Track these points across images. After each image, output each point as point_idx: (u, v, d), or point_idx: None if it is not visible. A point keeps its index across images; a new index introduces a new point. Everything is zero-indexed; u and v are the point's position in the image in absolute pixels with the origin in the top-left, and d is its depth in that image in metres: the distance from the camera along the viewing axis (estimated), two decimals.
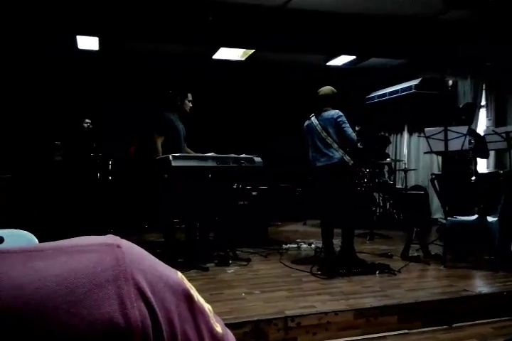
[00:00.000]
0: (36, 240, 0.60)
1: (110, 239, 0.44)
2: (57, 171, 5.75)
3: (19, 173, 5.88)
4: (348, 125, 4.09)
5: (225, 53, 6.29)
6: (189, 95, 4.44)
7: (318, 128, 4.18)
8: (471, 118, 5.15)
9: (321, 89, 4.32)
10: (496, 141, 4.36)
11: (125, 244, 0.44)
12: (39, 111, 6.49)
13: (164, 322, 0.41)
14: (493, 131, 4.48)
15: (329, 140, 4.12)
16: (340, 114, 4.14)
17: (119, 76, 6.95)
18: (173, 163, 3.70)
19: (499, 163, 6.06)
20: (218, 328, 0.48)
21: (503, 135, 4.26)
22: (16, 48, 6.18)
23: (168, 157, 3.73)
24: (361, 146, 4.48)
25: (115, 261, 0.41)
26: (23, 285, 0.37)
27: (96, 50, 6.16)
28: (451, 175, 4.89)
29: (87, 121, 6.04)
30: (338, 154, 4.10)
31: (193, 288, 0.48)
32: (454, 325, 3.03)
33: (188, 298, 0.46)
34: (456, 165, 5.13)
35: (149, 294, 0.41)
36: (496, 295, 3.30)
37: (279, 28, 5.31)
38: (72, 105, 6.50)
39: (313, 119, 4.26)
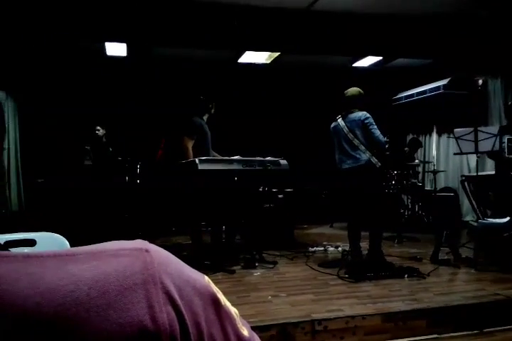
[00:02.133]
0: (68, 243, 0.62)
1: (139, 243, 0.45)
2: (87, 175, 5.88)
3: (51, 178, 6.04)
4: (375, 127, 4.05)
5: (251, 57, 6.32)
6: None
7: (345, 129, 4.14)
8: None
9: (347, 91, 4.29)
10: None
11: (153, 248, 0.45)
12: (70, 115, 6.65)
13: (191, 325, 0.42)
14: None
15: (356, 142, 4.08)
16: (368, 115, 4.09)
17: (147, 81, 7.05)
18: (200, 167, 3.74)
19: None
20: (245, 332, 0.49)
21: None
22: (51, 53, 6.35)
23: (195, 160, 3.77)
24: (388, 151, 4.40)
25: (144, 265, 0.42)
26: (58, 287, 0.38)
27: (124, 56, 6.28)
28: (499, 177, 4.75)
29: (98, 128, 6.11)
30: (365, 156, 4.06)
31: (220, 291, 0.49)
32: (485, 330, 2.96)
33: (215, 301, 0.46)
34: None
35: (177, 297, 0.42)
36: None
37: (304, 31, 5.30)
38: (100, 110, 6.62)
39: (340, 121, 4.23)
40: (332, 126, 4.35)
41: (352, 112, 4.18)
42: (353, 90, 4.27)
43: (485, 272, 3.99)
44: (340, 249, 4.99)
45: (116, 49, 5.95)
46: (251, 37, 5.22)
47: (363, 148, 4.07)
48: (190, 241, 4.46)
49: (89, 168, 6.05)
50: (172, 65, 7.02)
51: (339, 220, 6.96)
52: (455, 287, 3.62)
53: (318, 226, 7.02)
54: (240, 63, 6.61)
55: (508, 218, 4.10)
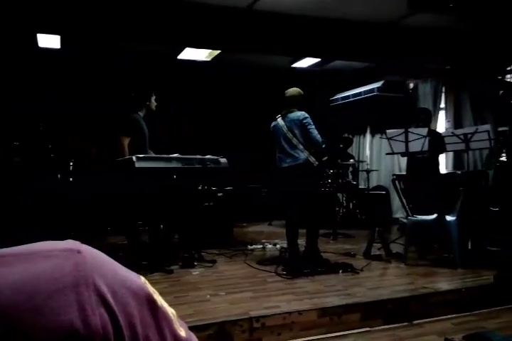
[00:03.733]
0: None
1: (70, 244, 0.44)
2: (16, 173, 5.56)
3: None
4: (313, 127, 4.14)
5: (191, 53, 6.25)
6: (154, 97, 4.42)
7: (284, 129, 4.21)
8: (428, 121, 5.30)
9: (287, 91, 4.36)
10: (454, 143, 4.51)
11: (85, 248, 0.43)
12: None
13: (126, 328, 0.41)
14: (452, 132, 4.64)
15: (295, 141, 4.16)
16: (306, 115, 4.18)
17: (83, 75, 6.78)
18: (137, 165, 3.65)
19: (458, 163, 6.27)
20: (182, 333, 0.48)
21: (461, 137, 4.41)
22: None
23: (132, 158, 3.68)
24: (325, 150, 4.53)
25: (75, 266, 0.40)
26: None
27: (58, 49, 6.00)
28: (414, 175, 5.02)
29: (41, 124, 5.84)
30: (303, 155, 4.14)
31: (156, 292, 0.48)
32: (415, 322, 3.12)
33: (151, 302, 0.45)
34: (420, 166, 5.29)
35: (111, 300, 0.41)
36: (455, 291, 3.42)
37: (245, 29, 5.32)
38: (30, 105, 6.29)
39: (280, 120, 4.30)
40: (272, 125, 4.40)
41: (291, 112, 4.25)
42: (293, 90, 4.34)
43: (414, 266, 4.21)
44: (278, 246, 5.06)
45: (49, 41, 5.66)
46: (191, 33, 5.16)
47: (301, 147, 4.15)
48: (127, 241, 4.35)
49: (19, 165, 5.72)
50: (111, 59, 6.80)
51: (278, 218, 7.06)
52: (386, 281, 3.78)
53: (257, 224, 7.09)
54: (180, 60, 6.52)
55: (435, 215, 4.34)
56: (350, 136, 8.48)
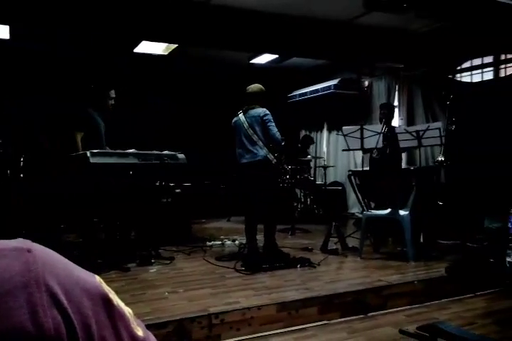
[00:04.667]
0: None
1: (20, 243, 0.42)
2: None
3: None
4: (273, 124, 4.16)
5: (147, 47, 6.12)
6: (112, 92, 4.30)
7: (245, 125, 4.22)
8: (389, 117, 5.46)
9: (249, 87, 4.36)
10: (407, 140, 4.64)
11: (36, 247, 0.42)
12: None
13: (80, 329, 0.40)
14: (404, 129, 4.77)
15: (255, 137, 4.17)
16: (267, 112, 4.19)
17: (34, 68, 6.52)
18: (92, 160, 3.56)
19: (410, 160, 6.48)
20: (139, 332, 0.47)
21: (414, 134, 4.55)
22: None
23: (86, 153, 3.58)
24: (284, 148, 4.59)
25: (25, 266, 0.39)
26: None
27: (7, 39, 5.73)
28: (376, 171, 5.15)
29: None
30: (262, 152, 4.16)
31: (112, 291, 0.47)
32: (370, 314, 3.21)
33: (107, 302, 0.44)
34: (382, 162, 5.44)
35: (64, 300, 0.39)
36: (408, 284, 3.53)
37: (202, 24, 5.26)
38: None
39: (241, 116, 4.30)
40: (233, 120, 4.40)
41: (253, 108, 4.26)
42: (255, 86, 4.35)
43: (369, 260, 4.32)
44: (237, 242, 5.07)
45: None
46: (147, 26, 5.06)
47: (261, 144, 4.17)
48: (81, 239, 4.23)
49: None
50: (67, 52, 6.57)
51: (236, 214, 7.07)
52: (343, 275, 3.87)
53: (215, 221, 7.07)
54: (136, 53, 6.38)
55: (389, 210, 4.47)
56: (308, 133, 8.61)
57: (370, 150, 5.22)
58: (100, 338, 0.41)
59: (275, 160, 4.23)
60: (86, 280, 0.44)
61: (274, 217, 4.37)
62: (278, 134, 4.15)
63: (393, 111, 5.73)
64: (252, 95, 4.31)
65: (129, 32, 5.13)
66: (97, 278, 0.46)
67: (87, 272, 0.46)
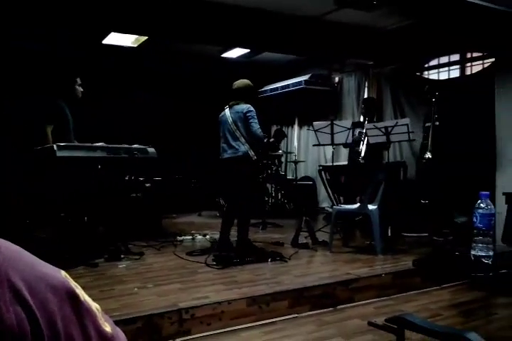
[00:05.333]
0: None
1: None
2: None
3: None
4: (256, 121, 4.17)
5: (116, 38, 5.99)
6: (78, 79, 4.21)
7: (230, 120, 4.24)
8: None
9: (235, 83, 4.39)
10: (376, 135, 4.71)
11: (0, 243, 0.40)
12: None
13: (45, 325, 0.38)
14: (373, 125, 4.84)
15: (238, 133, 4.20)
16: (251, 109, 4.21)
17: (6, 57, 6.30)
18: (58, 154, 3.47)
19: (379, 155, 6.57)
20: (107, 328, 0.46)
21: (383, 129, 4.62)
22: None
23: (53, 147, 3.49)
24: (265, 145, 4.61)
25: None
26: None
27: None
28: (356, 166, 5.21)
29: None
30: (243, 148, 4.19)
31: (79, 286, 0.45)
32: (339, 307, 3.26)
33: (73, 298, 0.43)
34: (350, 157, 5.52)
35: (27, 296, 0.38)
36: (376, 277, 3.60)
37: (172, 16, 5.18)
38: None
39: (227, 111, 4.32)
40: (220, 115, 4.43)
41: (238, 104, 4.28)
42: (241, 82, 4.37)
43: (339, 254, 4.38)
44: (208, 237, 5.05)
45: None
46: (117, 17, 4.95)
47: (243, 140, 4.19)
48: (48, 234, 4.13)
49: None
50: (32, 43, 6.36)
51: (207, 209, 7.05)
52: (312, 268, 3.91)
53: (186, 215, 7.02)
54: (105, 44, 6.24)
55: (358, 204, 4.54)
56: (279, 127, 8.63)
57: (349, 145, 5.28)
58: (66, 334, 0.40)
59: (255, 157, 4.24)
60: (51, 276, 0.42)
61: (248, 212, 4.39)
62: (259, 131, 4.16)
63: (375, 106, 5.80)
64: (236, 91, 4.33)
65: (97, 23, 5.01)
66: (63, 273, 0.45)
67: (53, 267, 0.44)
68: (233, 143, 4.22)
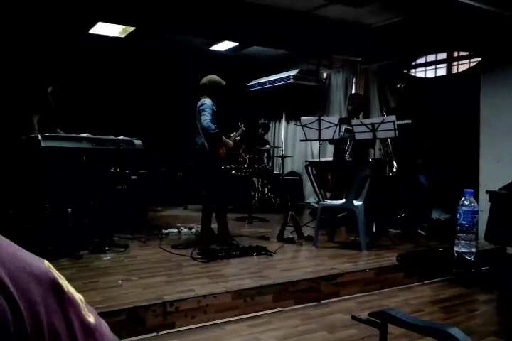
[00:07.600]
0: None
1: None
2: None
3: None
4: (206, 113, 4.21)
5: (103, 28, 5.90)
6: (49, 89, 4.15)
7: (196, 114, 4.36)
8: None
9: (203, 78, 4.46)
10: (362, 132, 4.73)
11: None
12: None
13: (28, 315, 0.38)
14: (360, 122, 4.85)
15: (198, 126, 4.33)
16: (204, 102, 4.28)
17: None
18: (43, 144, 3.42)
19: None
20: (91, 319, 0.45)
21: (369, 126, 4.63)
22: None
23: (37, 136, 3.43)
24: (215, 137, 4.65)
25: None
26: None
27: None
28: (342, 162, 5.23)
29: None
30: (200, 140, 4.34)
31: (63, 277, 0.44)
32: (323, 301, 3.28)
33: (56, 288, 0.42)
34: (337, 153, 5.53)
35: (9, 285, 0.37)
36: (360, 272, 3.62)
37: (160, 6, 5.12)
38: None
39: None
40: None
41: (199, 99, 4.36)
42: (205, 78, 4.46)
43: (324, 249, 4.40)
44: (193, 230, 5.04)
45: None
46: (103, 6, 4.87)
47: (200, 132, 4.32)
48: (32, 225, 4.07)
49: None
50: (17, 31, 6.23)
51: (193, 202, 7.01)
52: (298, 263, 3.93)
53: (172, 208, 6.99)
54: (92, 34, 6.14)
55: (344, 200, 4.56)
56: (266, 122, 8.62)
57: (334, 142, 5.29)
58: (49, 325, 0.39)
59: (208, 148, 4.28)
60: (34, 266, 0.41)
61: (221, 204, 4.46)
62: (206, 122, 4.19)
63: (363, 102, 5.81)
64: (201, 86, 4.44)
65: (84, 12, 4.93)
66: (46, 263, 0.44)
67: (36, 257, 0.43)
68: (196, 136, 4.39)
